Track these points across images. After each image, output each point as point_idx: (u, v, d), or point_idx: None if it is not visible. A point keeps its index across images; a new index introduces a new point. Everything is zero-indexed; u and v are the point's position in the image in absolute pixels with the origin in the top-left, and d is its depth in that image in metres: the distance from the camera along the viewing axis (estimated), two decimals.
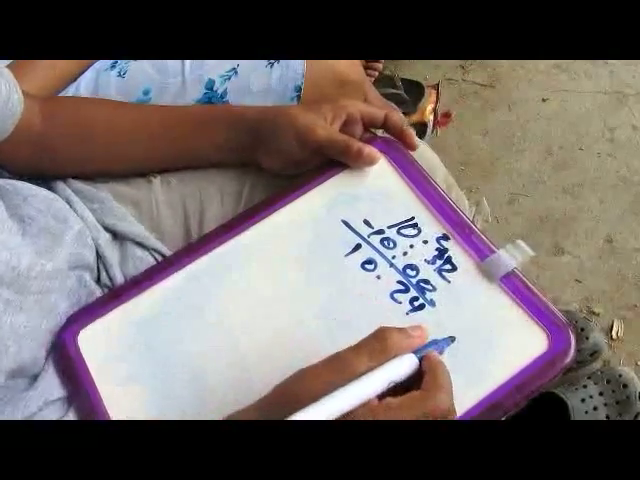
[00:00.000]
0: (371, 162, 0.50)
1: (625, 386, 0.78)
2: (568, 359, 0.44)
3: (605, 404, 0.78)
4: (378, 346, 0.36)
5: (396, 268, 0.48)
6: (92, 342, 0.47)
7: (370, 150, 0.49)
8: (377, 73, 1.09)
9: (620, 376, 0.79)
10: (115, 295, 0.50)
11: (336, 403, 0.33)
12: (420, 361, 0.37)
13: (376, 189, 0.51)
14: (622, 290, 1.00)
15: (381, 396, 0.35)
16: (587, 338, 0.84)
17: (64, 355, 0.47)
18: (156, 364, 0.46)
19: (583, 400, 0.78)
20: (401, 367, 0.36)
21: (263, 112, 0.53)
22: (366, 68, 1.05)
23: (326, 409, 0.33)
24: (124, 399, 0.46)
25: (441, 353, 0.39)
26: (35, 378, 0.45)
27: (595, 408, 0.78)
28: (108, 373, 0.46)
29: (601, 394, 0.79)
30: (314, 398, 0.33)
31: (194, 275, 0.49)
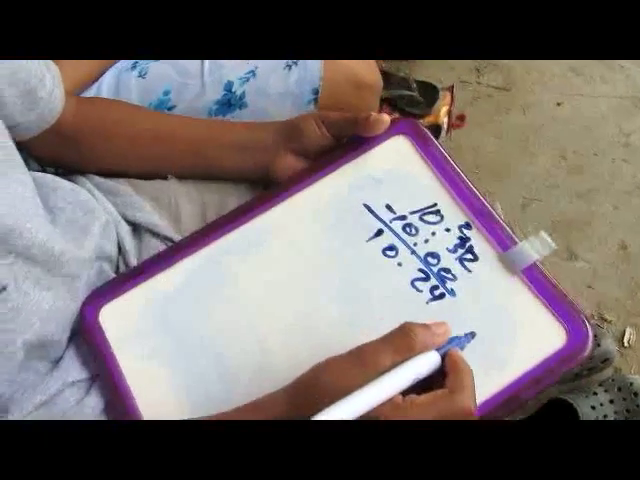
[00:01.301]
0: (379, 127, 0.50)
1: (636, 395, 0.78)
2: (585, 354, 0.44)
3: (615, 412, 0.77)
4: (403, 342, 0.36)
5: (417, 256, 0.48)
6: (114, 318, 0.48)
7: (377, 116, 0.49)
8: None
9: (631, 384, 0.78)
10: (137, 272, 0.50)
11: (364, 399, 0.34)
12: (442, 358, 0.37)
13: (399, 172, 0.51)
14: (635, 297, 0.99)
15: (403, 392, 0.35)
16: (598, 345, 0.83)
17: (85, 330, 0.47)
18: (178, 341, 0.47)
19: (593, 407, 0.78)
20: (425, 364, 0.37)
21: (282, 122, 0.55)
22: None
23: (354, 405, 0.33)
24: (146, 375, 0.46)
25: (462, 349, 0.40)
26: (56, 363, 0.47)
27: (605, 416, 0.77)
28: (130, 349, 0.47)
29: (612, 402, 0.78)
30: (339, 391, 0.34)
31: (215, 254, 0.49)
